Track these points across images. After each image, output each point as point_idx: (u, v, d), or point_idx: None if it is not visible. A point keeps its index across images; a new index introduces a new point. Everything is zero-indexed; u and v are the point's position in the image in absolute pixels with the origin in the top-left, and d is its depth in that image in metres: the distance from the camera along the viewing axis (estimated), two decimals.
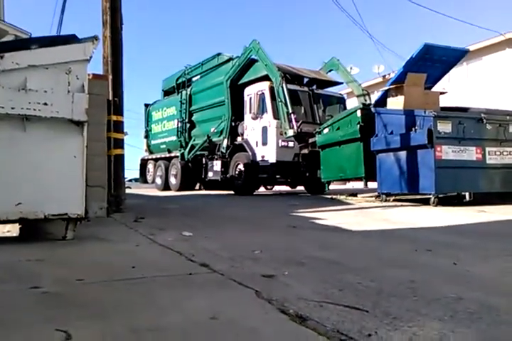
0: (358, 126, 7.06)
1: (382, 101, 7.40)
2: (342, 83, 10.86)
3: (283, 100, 8.77)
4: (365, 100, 9.51)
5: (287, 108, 8.66)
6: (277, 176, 9.61)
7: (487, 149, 6.06)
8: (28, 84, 2.80)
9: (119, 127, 5.22)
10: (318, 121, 9.57)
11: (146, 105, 15.45)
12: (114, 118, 5.11)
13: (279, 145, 9.07)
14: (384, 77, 18.24)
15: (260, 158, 9.45)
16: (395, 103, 6.80)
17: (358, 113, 7.23)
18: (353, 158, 7.27)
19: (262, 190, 11.60)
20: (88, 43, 3.01)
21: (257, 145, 9.62)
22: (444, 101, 7.29)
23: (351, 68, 10.51)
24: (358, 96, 9.93)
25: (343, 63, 10.32)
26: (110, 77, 5.21)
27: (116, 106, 5.19)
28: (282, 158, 9.07)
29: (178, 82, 13.35)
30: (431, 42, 6.95)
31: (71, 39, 3.04)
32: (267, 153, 9.29)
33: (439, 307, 1.53)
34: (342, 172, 7.70)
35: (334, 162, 7.83)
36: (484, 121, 6.01)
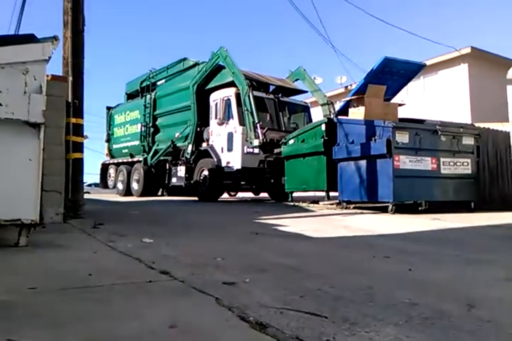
0: (322, 139, 7.21)
1: (344, 111, 7.62)
2: (307, 92, 11.06)
3: (249, 109, 8.77)
4: (329, 110, 9.72)
5: (253, 117, 8.68)
6: (242, 182, 9.62)
7: (442, 160, 6.35)
8: None
9: (78, 130, 5.07)
10: (283, 129, 9.70)
11: (109, 108, 15.09)
12: (73, 120, 4.96)
13: (245, 151, 9.08)
14: (346, 87, 18.83)
15: (225, 164, 9.43)
16: (356, 113, 7.01)
17: (323, 127, 7.39)
18: (316, 170, 7.41)
19: (225, 196, 11.56)
20: (47, 43, 2.91)
21: (222, 151, 9.60)
22: (402, 113, 7.59)
23: (315, 78, 10.73)
24: (322, 105, 10.14)
25: (308, 73, 10.54)
26: (70, 78, 5.06)
27: (76, 109, 5.04)
28: (247, 164, 9.09)
29: (142, 86, 13.16)
30: (391, 55, 7.26)
31: (29, 38, 2.93)
32: (232, 159, 9.28)
33: (395, 313, 1.58)
34: (305, 183, 7.80)
35: (298, 173, 7.94)
36: (439, 132, 6.30)
